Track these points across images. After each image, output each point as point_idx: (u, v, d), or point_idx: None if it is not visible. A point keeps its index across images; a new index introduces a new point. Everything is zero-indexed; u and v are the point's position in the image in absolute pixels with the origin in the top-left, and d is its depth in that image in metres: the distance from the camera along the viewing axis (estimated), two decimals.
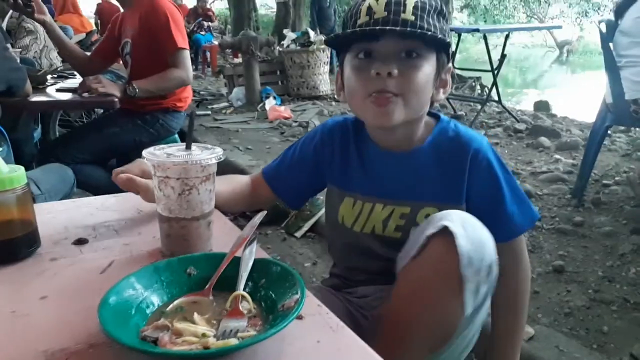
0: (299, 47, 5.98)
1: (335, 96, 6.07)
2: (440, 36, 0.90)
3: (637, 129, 4.29)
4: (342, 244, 1.13)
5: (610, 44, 2.58)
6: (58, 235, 0.92)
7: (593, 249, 2.39)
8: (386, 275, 0.99)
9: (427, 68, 0.92)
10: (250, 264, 0.71)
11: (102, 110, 3.20)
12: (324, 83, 6.08)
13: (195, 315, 0.63)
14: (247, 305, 0.65)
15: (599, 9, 20.00)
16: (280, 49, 6.14)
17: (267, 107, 5.25)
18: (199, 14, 10.50)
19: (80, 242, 0.89)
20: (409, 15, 0.89)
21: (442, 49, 0.95)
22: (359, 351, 0.60)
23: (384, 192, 1.03)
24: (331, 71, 6.50)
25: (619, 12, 2.51)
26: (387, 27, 0.87)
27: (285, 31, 6.72)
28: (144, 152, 0.82)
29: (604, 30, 2.62)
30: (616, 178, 3.26)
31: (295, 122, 4.90)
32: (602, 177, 3.30)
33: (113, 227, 0.96)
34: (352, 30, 0.92)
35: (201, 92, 6.46)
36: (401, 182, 1.02)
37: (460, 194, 0.99)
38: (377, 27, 0.87)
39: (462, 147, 0.98)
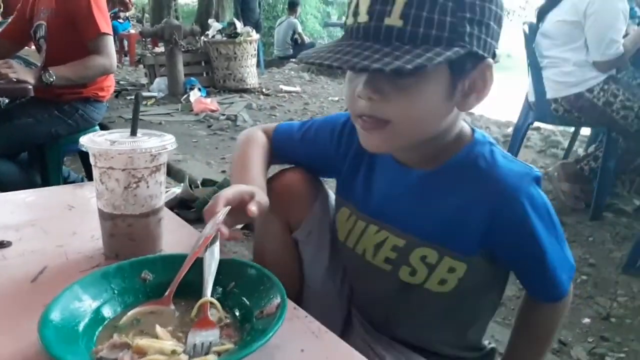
0: (225, 38, 5.79)
1: (264, 89, 5.99)
2: (430, 59, 0.64)
3: (549, 127, 4.59)
4: (346, 262, 0.99)
5: (534, 45, 2.71)
6: None
7: None
8: (395, 324, 0.88)
9: (430, 85, 0.70)
10: (215, 266, 0.63)
11: (6, 100, 2.89)
12: (252, 76, 5.93)
13: (158, 328, 0.54)
14: (216, 313, 0.57)
15: (508, 13, 21.39)
16: (205, 39, 5.92)
17: (192, 99, 5.03)
18: (115, 2, 9.90)
19: (2, 245, 0.76)
20: (395, 19, 0.66)
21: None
22: (348, 358, 0.54)
23: (381, 212, 0.86)
24: (258, 64, 6.38)
25: (541, 15, 2.64)
26: (345, 63, 0.65)
27: (210, 21, 6.48)
28: (82, 140, 0.71)
29: (526, 31, 2.75)
30: None
31: (223, 115, 4.73)
32: None
33: (41, 227, 0.83)
34: (312, 57, 0.71)
35: (121, 82, 6.08)
36: (403, 206, 0.84)
37: (472, 244, 0.78)
38: (333, 63, 0.66)
39: (491, 185, 0.75)
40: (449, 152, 0.79)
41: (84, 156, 2.63)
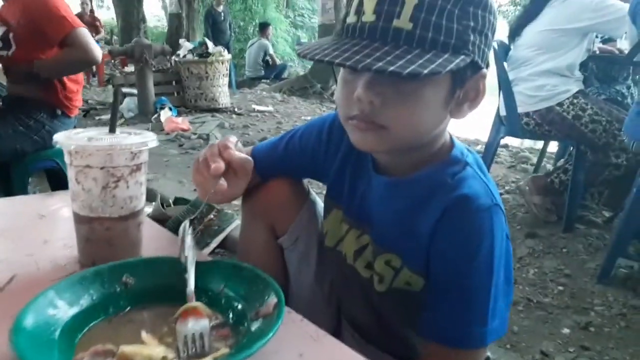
0: (196, 58, 5.74)
1: (236, 109, 5.95)
2: (442, 65, 0.62)
3: (516, 144, 4.71)
4: (333, 269, 0.95)
5: (505, 63, 2.77)
6: None
7: None
8: (383, 335, 0.83)
9: (431, 91, 0.68)
10: (193, 255, 0.58)
11: None
12: (224, 95, 5.88)
13: (143, 334, 0.49)
14: (204, 313, 0.53)
15: None
16: (176, 59, 5.86)
17: (163, 118, 4.93)
18: (85, 24, 9.76)
19: None
20: (404, 21, 0.64)
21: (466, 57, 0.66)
22: None
23: (361, 216, 0.84)
24: (230, 85, 6.34)
25: (517, 30, 2.70)
26: (359, 63, 0.62)
27: (181, 41, 6.43)
28: (56, 137, 0.66)
29: (496, 48, 2.82)
30: (506, 187, 3.50)
31: (195, 134, 4.66)
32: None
33: (8, 236, 0.77)
34: (318, 54, 0.66)
35: (89, 102, 5.95)
36: (372, 212, 0.82)
37: (422, 260, 0.74)
38: (345, 62, 0.62)
39: (447, 196, 0.72)
40: (424, 164, 0.77)
41: (51, 175, 2.54)
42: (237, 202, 1.20)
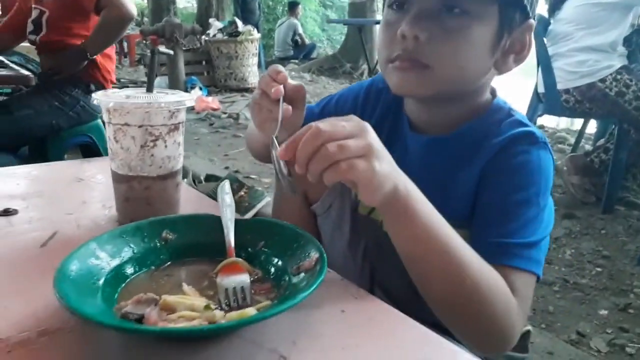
0: (226, 37, 5.75)
1: None
2: None
3: (552, 125, 4.57)
4: (367, 236, 0.92)
5: (544, 39, 2.67)
6: None
7: None
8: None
9: (478, 30, 0.66)
10: (232, 212, 0.58)
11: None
12: (253, 75, 5.89)
13: (185, 286, 0.49)
14: (246, 267, 0.52)
15: None
16: (207, 39, 5.88)
17: (194, 97, 4.99)
18: None
19: (7, 212, 0.71)
20: None
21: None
22: (396, 319, 0.49)
23: None
24: (259, 65, 6.34)
25: (557, 4, 2.60)
26: None
27: (211, 20, 6.44)
28: (95, 94, 0.66)
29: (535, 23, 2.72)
30: None
31: (225, 113, 4.69)
32: None
33: (48, 196, 0.78)
34: None
35: (121, 80, 6.04)
36: (409, 173, 0.78)
37: (466, 214, 0.71)
38: None
39: (493, 141, 0.71)
40: (466, 119, 0.75)
41: (85, 151, 2.58)
42: (268, 180, 1.19)
